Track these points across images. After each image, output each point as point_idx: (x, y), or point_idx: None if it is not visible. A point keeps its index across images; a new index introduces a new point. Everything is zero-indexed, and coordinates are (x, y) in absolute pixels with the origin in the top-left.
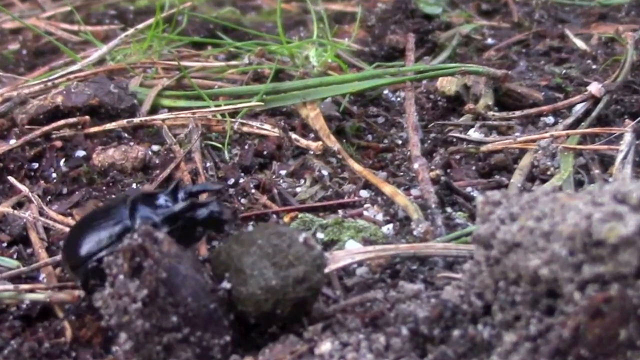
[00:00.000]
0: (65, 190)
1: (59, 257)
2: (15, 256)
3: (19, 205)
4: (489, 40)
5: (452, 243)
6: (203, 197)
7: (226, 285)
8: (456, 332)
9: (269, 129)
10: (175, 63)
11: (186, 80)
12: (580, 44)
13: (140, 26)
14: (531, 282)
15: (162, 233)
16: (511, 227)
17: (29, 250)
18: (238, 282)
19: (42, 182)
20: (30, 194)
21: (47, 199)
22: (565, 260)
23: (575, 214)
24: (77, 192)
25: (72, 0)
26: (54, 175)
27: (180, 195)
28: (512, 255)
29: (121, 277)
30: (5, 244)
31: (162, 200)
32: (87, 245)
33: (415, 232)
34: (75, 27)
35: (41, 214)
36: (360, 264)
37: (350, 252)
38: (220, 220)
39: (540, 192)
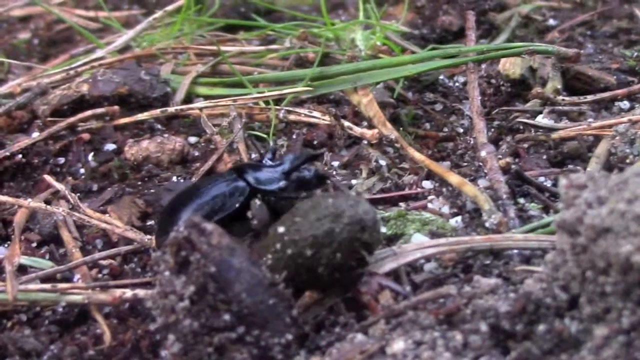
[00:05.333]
0: (95, 187)
1: (97, 256)
2: (47, 257)
3: (46, 203)
4: (551, 22)
5: (532, 234)
6: None
7: (281, 229)
8: (541, 327)
9: (318, 116)
10: (209, 48)
11: (223, 67)
12: None
13: (169, 8)
14: (622, 270)
15: (211, 224)
16: (600, 211)
17: (61, 251)
18: (291, 229)
19: (69, 178)
20: (65, 191)
21: (76, 197)
22: None
23: None
24: (108, 189)
25: None
26: (82, 170)
27: (288, 157)
28: (601, 241)
29: (167, 273)
30: (34, 244)
31: (268, 162)
32: (197, 213)
33: (487, 224)
34: (90, 14)
35: (74, 211)
36: (429, 259)
37: (421, 245)
38: (326, 177)
39: (631, 173)
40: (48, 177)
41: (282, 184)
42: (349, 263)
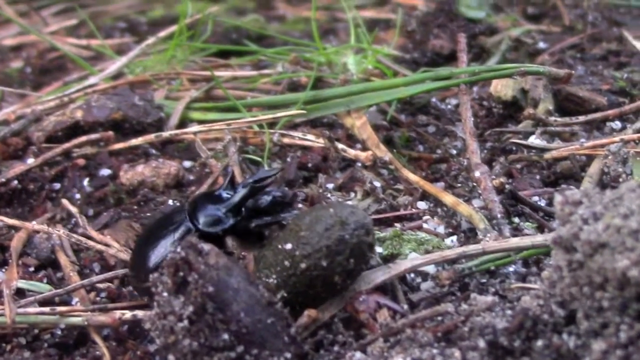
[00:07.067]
0: (91, 212)
1: (95, 279)
2: (44, 281)
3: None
4: (541, 45)
5: (528, 240)
6: None
7: (288, 246)
8: (539, 343)
9: (312, 139)
10: (202, 73)
11: (216, 92)
12: None
13: (162, 34)
14: (619, 285)
15: (208, 245)
16: (596, 227)
17: (58, 275)
18: (300, 244)
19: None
20: (74, 211)
21: (72, 222)
22: None
23: None
24: (104, 214)
25: (76, 13)
26: (78, 196)
27: (239, 187)
28: (597, 257)
29: (165, 294)
30: (32, 269)
31: (223, 194)
32: (152, 259)
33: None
34: (82, 42)
35: (75, 232)
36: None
37: (415, 258)
38: (284, 203)
39: (625, 188)
40: (65, 201)
41: (227, 225)
42: (360, 266)
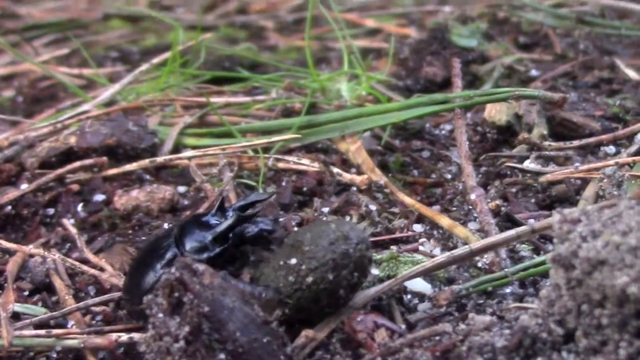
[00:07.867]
0: (85, 237)
1: (90, 302)
2: (39, 304)
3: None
4: (533, 72)
5: (512, 231)
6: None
7: (292, 261)
8: None
9: (307, 163)
10: (196, 100)
11: (209, 118)
12: (633, 74)
13: (155, 61)
14: (618, 302)
15: (203, 265)
16: (595, 244)
17: (53, 298)
18: (305, 259)
19: (59, 229)
20: (76, 235)
21: (66, 247)
22: None
23: None
24: (99, 238)
25: (67, 44)
26: (72, 221)
27: (229, 212)
28: (596, 274)
29: (161, 315)
30: (27, 293)
31: (211, 220)
32: (140, 283)
33: (479, 264)
34: (74, 71)
35: (72, 254)
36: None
37: (408, 270)
38: (270, 238)
39: (624, 206)
40: (65, 221)
41: (213, 253)
42: (362, 280)
